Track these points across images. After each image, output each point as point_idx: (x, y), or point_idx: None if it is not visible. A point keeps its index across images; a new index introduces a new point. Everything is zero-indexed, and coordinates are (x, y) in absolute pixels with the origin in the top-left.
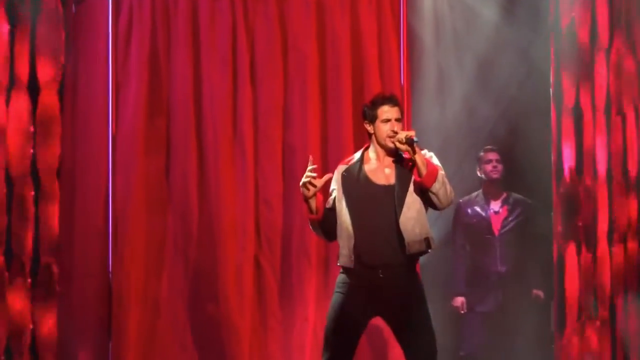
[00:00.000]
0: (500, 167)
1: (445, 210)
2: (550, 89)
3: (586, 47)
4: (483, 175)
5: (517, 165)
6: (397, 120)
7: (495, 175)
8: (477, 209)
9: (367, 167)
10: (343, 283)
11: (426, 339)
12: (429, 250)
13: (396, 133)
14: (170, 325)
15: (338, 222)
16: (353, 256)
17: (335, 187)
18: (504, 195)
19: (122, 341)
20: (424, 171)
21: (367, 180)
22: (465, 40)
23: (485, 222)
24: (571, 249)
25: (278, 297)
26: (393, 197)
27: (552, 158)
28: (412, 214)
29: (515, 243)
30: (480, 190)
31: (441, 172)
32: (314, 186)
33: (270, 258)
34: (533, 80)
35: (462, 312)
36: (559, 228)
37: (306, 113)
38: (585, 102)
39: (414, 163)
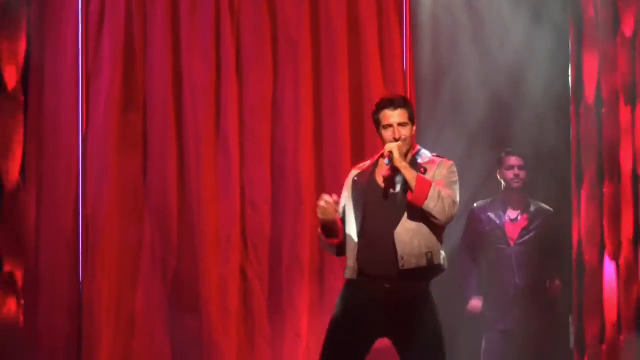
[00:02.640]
0: (522, 174)
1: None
2: (570, 81)
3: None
4: (502, 181)
5: (532, 164)
6: (401, 125)
7: (516, 185)
8: (492, 215)
9: (379, 173)
10: (347, 294)
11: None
12: (438, 269)
13: (397, 140)
14: (146, 344)
15: (346, 230)
16: (357, 267)
17: (346, 193)
18: (525, 203)
19: None
20: (413, 188)
21: (376, 186)
22: (472, 24)
23: (500, 231)
24: (592, 257)
25: (266, 311)
26: (395, 204)
27: (572, 158)
28: (412, 226)
29: (534, 255)
30: (498, 196)
31: (435, 188)
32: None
33: (257, 268)
34: (548, 72)
35: (480, 311)
36: (577, 234)
37: (298, 109)
38: (608, 96)
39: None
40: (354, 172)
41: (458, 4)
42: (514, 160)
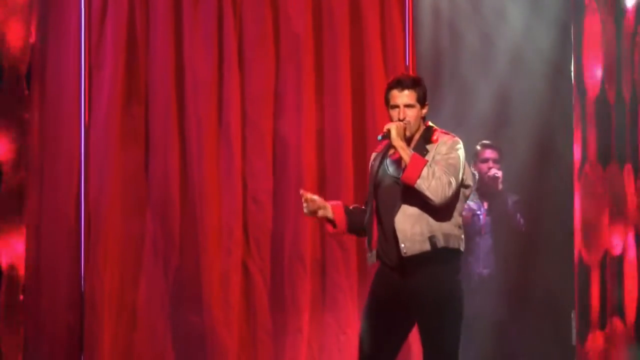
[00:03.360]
0: (494, 170)
1: None
2: (572, 75)
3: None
4: (476, 174)
5: (533, 161)
6: (407, 106)
7: (487, 181)
8: (472, 204)
9: (389, 155)
10: (374, 280)
11: (442, 344)
12: (447, 252)
13: (401, 121)
14: (148, 338)
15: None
16: (372, 251)
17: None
18: (496, 195)
19: (95, 355)
20: (406, 166)
21: (384, 171)
22: (475, 20)
23: (477, 220)
24: (594, 254)
25: (268, 306)
26: (400, 186)
27: (574, 153)
28: (413, 211)
29: (498, 244)
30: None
31: (430, 168)
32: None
33: (259, 263)
34: (549, 65)
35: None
36: (579, 228)
37: (300, 102)
38: (610, 92)
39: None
40: (373, 155)
41: None
42: (489, 153)
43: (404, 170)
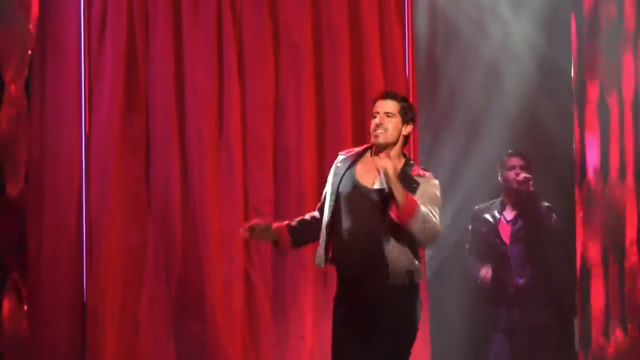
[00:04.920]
0: (523, 174)
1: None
2: (572, 82)
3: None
4: (503, 182)
5: (536, 166)
6: (387, 114)
7: (516, 185)
8: (488, 216)
9: (361, 163)
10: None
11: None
12: (416, 287)
13: (377, 127)
14: (151, 347)
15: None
16: (327, 256)
17: (329, 177)
18: (525, 204)
19: None
20: (400, 206)
21: (353, 180)
22: (476, 30)
23: (494, 232)
24: (596, 258)
25: (270, 314)
26: (375, 203)
27: (575, 159)
28: (400, 242)
29: (532, 252)
30: (500, 198)
31: (421, 211)
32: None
33: (261, 271)
34: (551, 72)
35: (490, 279)
36: (582, 236)
37: (300, 112)
38: (611, 97)
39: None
40: (339, 157)
41: (459, 5)
42: (515, 160)
43: (397, 209)
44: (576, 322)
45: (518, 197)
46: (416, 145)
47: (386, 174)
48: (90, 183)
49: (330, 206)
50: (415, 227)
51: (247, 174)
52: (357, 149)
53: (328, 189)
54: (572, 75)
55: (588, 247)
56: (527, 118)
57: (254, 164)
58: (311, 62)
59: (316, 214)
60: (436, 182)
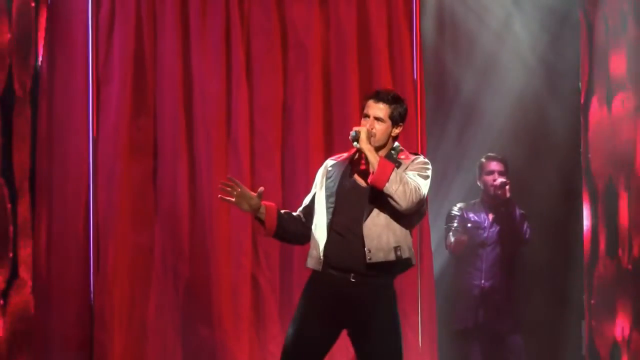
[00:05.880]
0: (500, 179)
1: None
2: (579, 84)
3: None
4: (482, 186)
5: (540, 167)
6: (377, 119)
7: (493, 191)
8: (474, 216)
9: (356, 165)
10: (312, 287)
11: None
12: (406, 263)
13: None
14: (158, 351)
15: (314, 220)
16: (322, 258)
17: (318, 182)
18: (502, 208)
19: None
20: (374, 169)
21: (349, 179)
22: (484, 30)
23: (481, 232)
24: (604, 261)
25: (278, 318)
26: (371, 199)
27: (582, 163)
28: (381, 221)
29: (503, 259)
30: (479, 199)
31: (398, 172)
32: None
33: (268, 275)
34: (558, 72)
35: (465, 243)
36: (588, 238)
37: (308, 114)
38: (618, 104)
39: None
40: (328, 162)
41: (467, 9)
42: (494, 165)
43: (372, 173)
44: (584, 327)
45: (494, 202)
46: (424, 144)
47: (358, 135)
48: (98, 186)
49: (330, 207)
50: (392, 188)
51: (255, 175)
52: (346, 154)
53: (321, 192)
54: (580, 73)
55: (596, 250)
56: (533, 117)
57: (262, 166)
58: (319, 63)
59: (300, 215)
60: (424, 159)
